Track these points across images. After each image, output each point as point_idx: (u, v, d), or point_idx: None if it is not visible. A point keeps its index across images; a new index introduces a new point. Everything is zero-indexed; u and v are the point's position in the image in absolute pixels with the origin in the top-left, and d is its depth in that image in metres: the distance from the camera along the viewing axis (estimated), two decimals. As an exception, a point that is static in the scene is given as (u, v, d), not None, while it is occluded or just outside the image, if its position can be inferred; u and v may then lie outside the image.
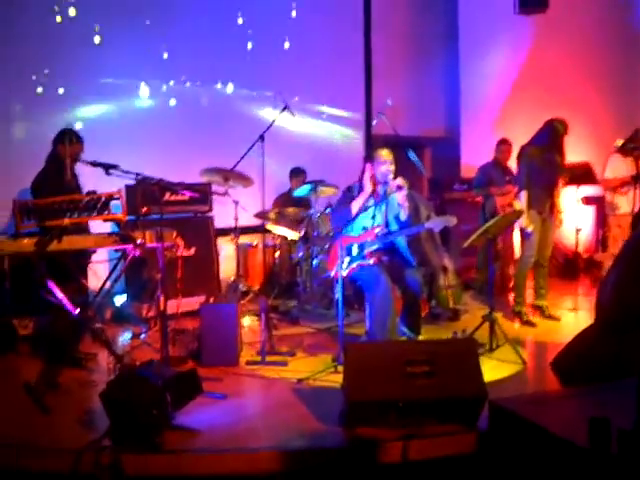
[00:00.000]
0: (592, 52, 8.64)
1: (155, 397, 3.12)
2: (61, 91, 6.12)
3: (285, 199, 6.76)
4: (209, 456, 3.10)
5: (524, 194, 5.41)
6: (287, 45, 7.54)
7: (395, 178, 4.59)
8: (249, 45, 7.40)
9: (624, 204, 6.62)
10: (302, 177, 6.84)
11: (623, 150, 6.53)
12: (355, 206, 4.66)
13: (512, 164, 6.84)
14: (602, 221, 7.92)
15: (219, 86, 7.24)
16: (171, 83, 6.90)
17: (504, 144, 6.95)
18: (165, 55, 6.84)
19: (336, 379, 3.94)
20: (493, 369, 4.25)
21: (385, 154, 4.70)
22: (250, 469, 3.06)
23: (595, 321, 3.20)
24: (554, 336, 5.08)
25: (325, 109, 7.94)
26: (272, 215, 6.30)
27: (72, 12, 6.13)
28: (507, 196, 6.66)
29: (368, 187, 4.68)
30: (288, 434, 3.31)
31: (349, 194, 4.79)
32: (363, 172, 4.75)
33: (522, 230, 5.49)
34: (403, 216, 4.64)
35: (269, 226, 6.51)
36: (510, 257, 6.94)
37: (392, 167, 4.67)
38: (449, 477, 3.16)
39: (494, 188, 6.71)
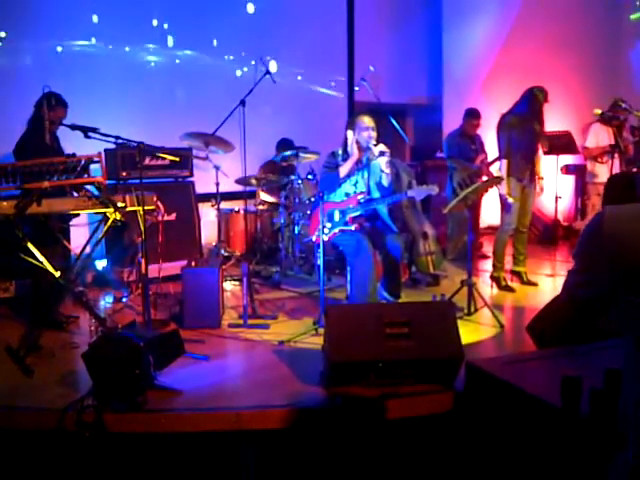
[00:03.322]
0: (574, 21, 8.64)
1: (137, 357, 3.14)
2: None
3: (271, 166, 6.73)
4: (191, 415, 3.13)
5: (504, 162, 5.44)
6: (270, 9, 7.45)
7: (377, 145, 4.60)
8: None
9: (603, 173, 6.70)
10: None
11: (603, 119, 6.59)
12: (343, 170, 4.68)
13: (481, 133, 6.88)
14: (582, 190, 8.01)
15: (200, 50, 7.15)
16: (153, 46, 6.82)
17: (473, 118, 6.78)
18: (150, 19, 6.76)
19: (317, 341, 4.01)
20: (471, 332, 4.32)
21: (367, 120, 4.69)
22: (232, 427, 3.10)
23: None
24: (532, 301, 5.15)
25: (307, 75, 7.89)
26: (253, 181, 6.29)
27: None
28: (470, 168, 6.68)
29: (355, 151, 4.69)
30: (270, 393, 3.35)
31: (333, 159, 4.79)
32: (346, 138, 4.75)
33: (502, 198, 5.53)
34: (385, 182, 4.66)
35: (262, 194, 6.53)
36: (477, 225, 6.97)
37: (374, 133, 4.67)
38: (426, 435, 3.23)
39: (468, 162, 6.66)
